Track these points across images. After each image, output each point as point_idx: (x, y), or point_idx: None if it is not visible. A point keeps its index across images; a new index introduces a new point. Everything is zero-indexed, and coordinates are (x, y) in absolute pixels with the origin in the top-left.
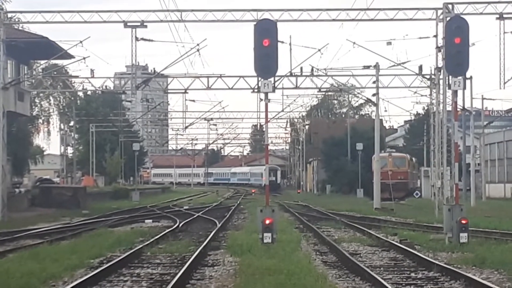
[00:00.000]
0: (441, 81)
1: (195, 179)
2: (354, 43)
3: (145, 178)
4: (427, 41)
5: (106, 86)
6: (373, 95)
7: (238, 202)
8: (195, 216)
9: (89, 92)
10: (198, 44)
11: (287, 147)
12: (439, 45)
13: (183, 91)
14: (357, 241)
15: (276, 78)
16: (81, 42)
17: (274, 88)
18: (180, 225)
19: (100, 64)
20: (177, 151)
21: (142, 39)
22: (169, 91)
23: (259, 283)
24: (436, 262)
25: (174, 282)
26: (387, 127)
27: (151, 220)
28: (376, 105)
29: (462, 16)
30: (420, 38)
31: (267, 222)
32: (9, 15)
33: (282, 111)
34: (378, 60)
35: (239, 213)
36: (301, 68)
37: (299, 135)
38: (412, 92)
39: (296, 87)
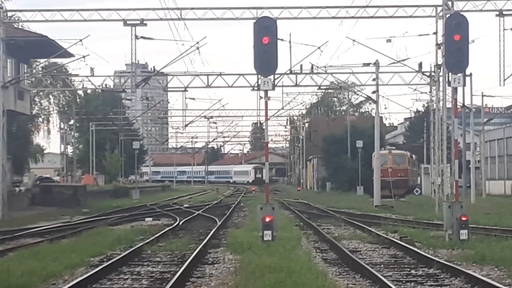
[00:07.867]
0: (441, 78)
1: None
2: (353, 40)
3: None
4: (427, 38)
5: (106, 85)
6: (373, 92)
7: (238, 200)
8: (195, 214)
9: (89, 91)
10: (197, 42)
11: (287, 145)
12: (439, 42)
13: (183, 89)
14: (357, 239)
15: (276, 76)
16: (80, 40)
17: (274, 86)
18: (180, 223)
19: (100, 62)
20: (177, 149)
21: (142, 37)
22: (169, 89)
23: (259, 281)
24: (436, 259)
25: (174, 280)
26: (387, 125)
27: (151, 218)
28: (376, 102)
29: (461, 13)
30: (419, 35)
31: (267, 219)
32: (9, 13)
33: (282, 108)
34: (378, 58)
35: (239, 211)
36: (301, 66)
37: (299, 133)
38: (412, 89)
39: (296, 85)
